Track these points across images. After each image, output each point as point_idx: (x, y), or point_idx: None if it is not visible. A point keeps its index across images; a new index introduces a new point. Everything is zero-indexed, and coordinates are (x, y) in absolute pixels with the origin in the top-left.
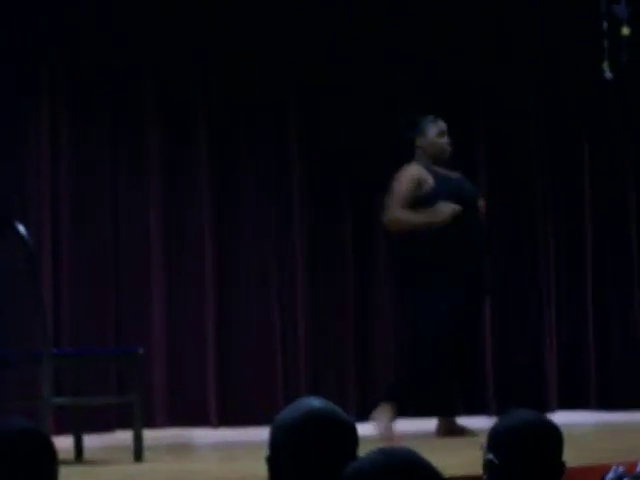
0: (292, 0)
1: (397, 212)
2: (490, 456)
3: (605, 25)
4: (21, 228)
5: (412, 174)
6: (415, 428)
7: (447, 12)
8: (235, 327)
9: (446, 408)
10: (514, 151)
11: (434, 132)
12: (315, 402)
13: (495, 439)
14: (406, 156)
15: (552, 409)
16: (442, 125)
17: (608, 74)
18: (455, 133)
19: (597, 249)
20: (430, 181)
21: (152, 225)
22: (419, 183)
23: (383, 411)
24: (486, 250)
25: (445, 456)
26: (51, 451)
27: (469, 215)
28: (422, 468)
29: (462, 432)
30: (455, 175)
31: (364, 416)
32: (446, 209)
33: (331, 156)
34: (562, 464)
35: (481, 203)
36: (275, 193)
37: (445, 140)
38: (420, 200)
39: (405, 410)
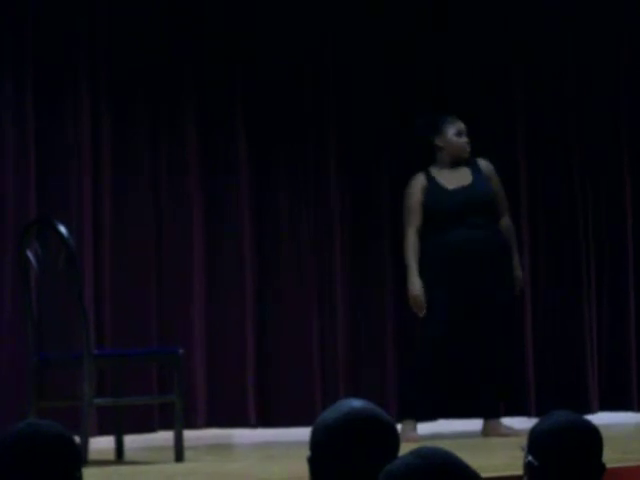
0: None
1: (405, 238)
2: (530, 458)
3: None
4: (62, 228)
5: (416, 184)
6: (460, 428)
7: (477, 26)
8: (274, 328)
9: (436, 411)
10: (554, 157)
11: (453, 132)
12: (356, 403)
13: (534, 441)
14: (426, 157)
15: (593, 410)
16: (460, 125)
17: None
18: (490, 143)
19: (639, 249)
20: (426, 191)
21: (194, 226)
22: (423, 190)
23: (404, 427)
24: (494, 253)
25: (487, 456)
26: (77, 455)
27: (472, 221)
28: (458, 469)
29: (507, 433)
30: (463, 180)
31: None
32: (415, 293)
33: (371, 167)
34: (602, 465)
35: (502, 221)
36: (314, 197)
37: (464, 139)
38: (427, 208)
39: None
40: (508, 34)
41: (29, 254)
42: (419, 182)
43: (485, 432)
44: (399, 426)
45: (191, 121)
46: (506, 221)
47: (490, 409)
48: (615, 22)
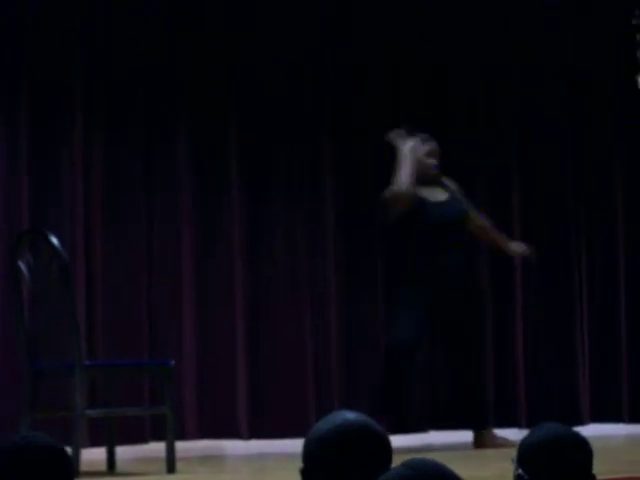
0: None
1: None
2: (519, 470)
3: (639, 37)
4: (54, 239)
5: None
6: (450, 440)
7: (473, 29)
8: (265, 339)
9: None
10: (546, 165)
11: (423, 151)
12: (349, 415)
13: (524, 453)
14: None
15: (584, 422)
16: (434, 145)
17: None
18: (487, 145)
19: (630, 262)
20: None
21: (184, 240)
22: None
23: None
24: (470, 267)
25: (478, 468)
26: (68, 467)
27: (448, 240)
28: None
29: (499, 443)
30: (440, 197)
31: (395, 427)
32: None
33: (365, 170)
34: (592, 477)
35: (480, 222)
36: (307, 209)
37: (432, 161)
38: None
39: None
40: (508, 34)
41: (21, 265)
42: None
43: (477, 444)
44: (394, 438)
45: (182, 129)
46: (480, 221)
47: (477, 421)
48: (614, 22)
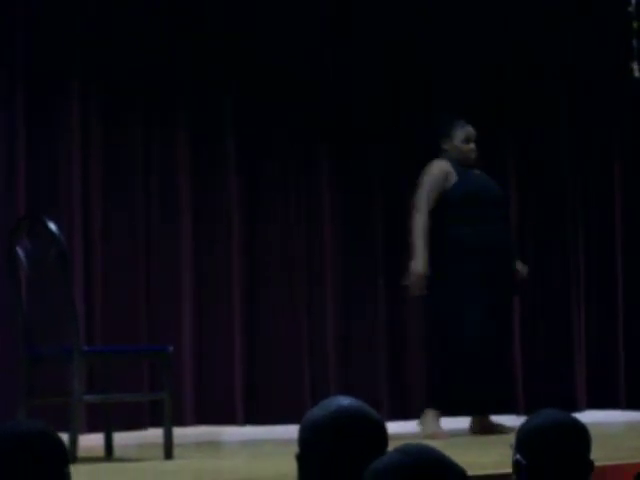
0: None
1: (416, 218)
2: (518, 456)
3: (635, 25)
4: (52, 225)
5: (440, 167)
6: (449, 426)
7: (473, 29)
8: (263, 326)
9: (478, 407)
10: (544, 155)
11: (461, 137)
12: (344, 400)
13: (523, 439)
14: (433, 156)
15: (581, 408)
16: (470, 131)
17: (638, 74)
18: (485, 141)
19: (627, 247)
20: (454, 176)
21: (183, 225)
22: (446, 176)
23: (428, 416)
24: (513, 249)
25: (477, 454)
26: (62, 453)
27: (493, 213)
28: (443, 466)
29: (496, 430)
30: (480, 173)
31: (395, 413)
32: (420, 272)
33: (363, 155)
34: (590, 463)
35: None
36: (305, 193)
37: (471, 146)
38: (445, 195)
39: (449, 410)
40: (508, 34)
41: (19, 250)
42: (442, 165)
43: (475, 429)
44: (391, 424)
45: (182, 121)
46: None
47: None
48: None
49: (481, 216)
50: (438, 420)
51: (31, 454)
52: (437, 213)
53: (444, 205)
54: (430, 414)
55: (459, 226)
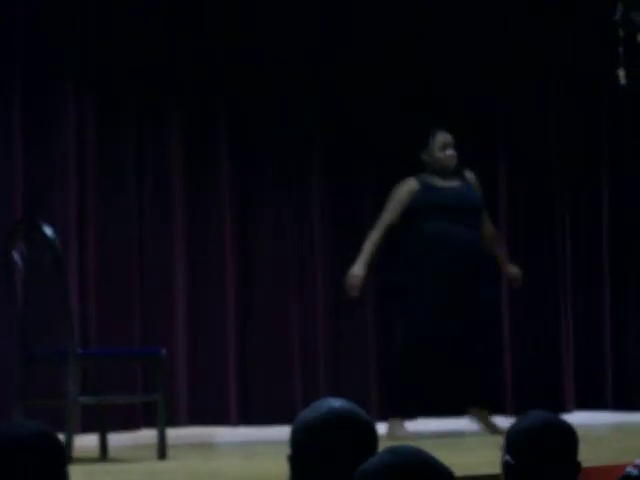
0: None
1: (372, 232)
2: (507, 457)
3: (621, 32)
4: (48, 229)
5: (408, 186)
6: (445, 428)
7: (473, 29)
8: (255, 327)
9: (431, 408)
10: (532, 158)
11: (436, 146)
12: (335, 402)
13: (511, 440)
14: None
15: (569, 409)
16: (444, 137)
17: (623, 81)
18: (475, 144)
19: (614, 249)
20: (419, 193)
21: (175, 227)
22: (410, 194)
23: (392, 423)
24: (480, 251)
25: (465, 455)
26: (61, 454)
27: (459, 220)
28: (431, 466)
29: (492, 430)
30: (455, 184)
31: (386, 415)
32: (353, 273)
33: (355, 156)
34: (578, 464)
35: (489, 227)
36: (297, 194)
37: (448, 153)
38: (410, 208)
39: (407, 414)
40: (508, 34)
41: (15, 254)
42: (409, 185)
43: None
44: (381, 425)
45: (176, 122)
46: (492, 228)
47: (481, 399)
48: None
49: (445, 222)
50: (402, 425)
51: (31, 454)
52: (402, 223)
53: (409, 216)
54: (393, 421)
55: (421, 232)
